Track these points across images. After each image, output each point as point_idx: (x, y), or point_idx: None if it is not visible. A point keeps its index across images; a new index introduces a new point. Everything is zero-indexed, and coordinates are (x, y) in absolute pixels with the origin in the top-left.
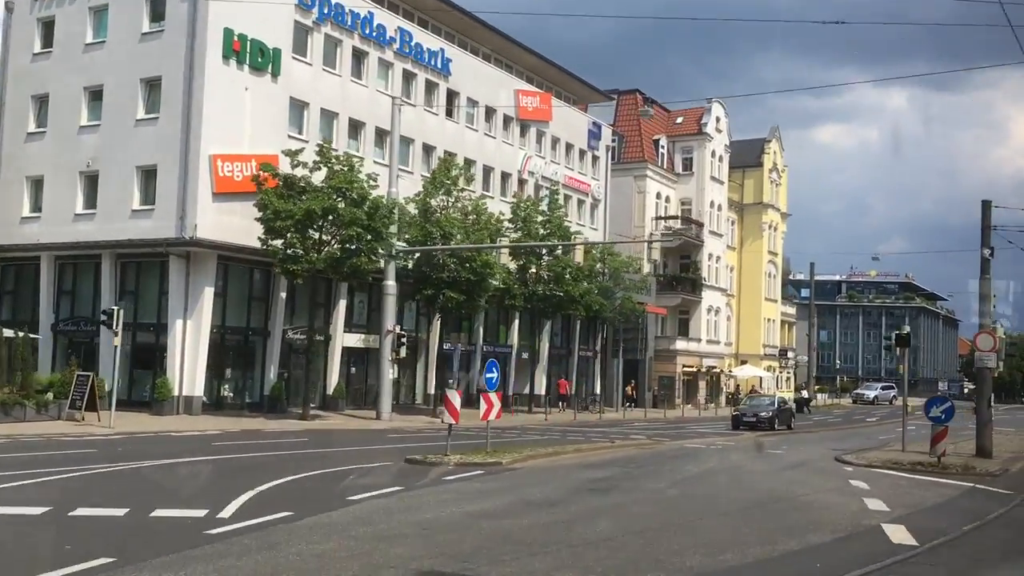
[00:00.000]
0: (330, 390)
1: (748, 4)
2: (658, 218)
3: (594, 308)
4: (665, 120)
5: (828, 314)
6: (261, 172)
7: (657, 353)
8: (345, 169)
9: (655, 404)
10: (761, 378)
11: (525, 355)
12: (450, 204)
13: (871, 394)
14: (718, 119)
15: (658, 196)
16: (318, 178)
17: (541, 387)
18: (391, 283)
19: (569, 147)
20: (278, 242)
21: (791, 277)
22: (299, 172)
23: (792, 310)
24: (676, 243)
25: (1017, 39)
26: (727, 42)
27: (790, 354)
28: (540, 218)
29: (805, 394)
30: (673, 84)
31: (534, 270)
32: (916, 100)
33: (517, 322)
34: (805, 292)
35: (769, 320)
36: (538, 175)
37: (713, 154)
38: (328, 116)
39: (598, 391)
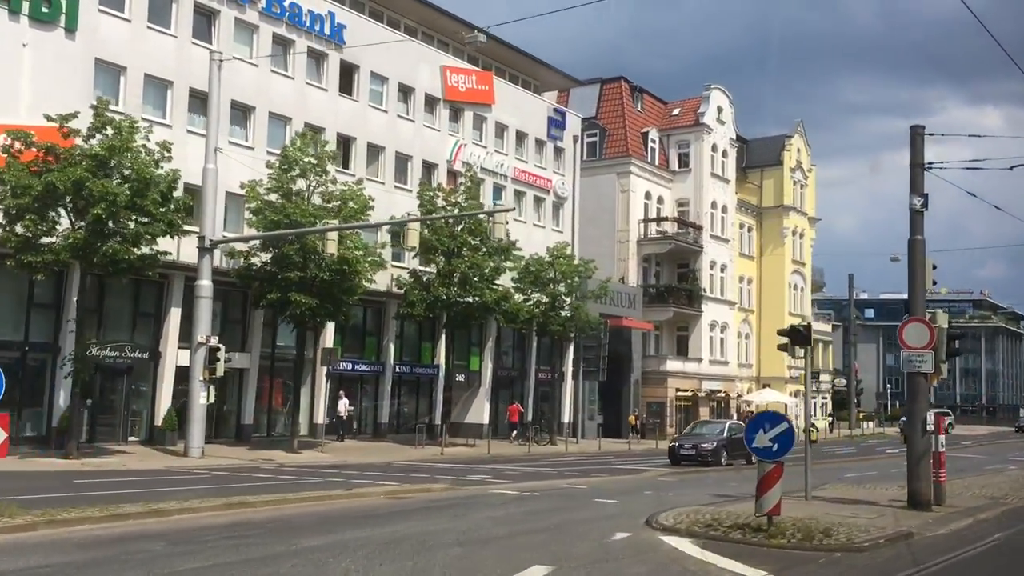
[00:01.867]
0: (159, 420)
1: (831, 27)
2: (646, 220)
3: (521, 318)
4: (660, 112)
5: (893, 336)
6: (11, 141)
7: (645, 375)
8: (113, 134)
9: (643, 434)
10: (786, 404)
11: (461, 377)
12: (310, 188)
13: None
14: (720, 109)
15: (647, 196)
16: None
17: (482, 415)
18: (206, 283)
19: (521, 136)
20: (19, 227)
21: (823, 290)
22: (77, 142)
23: (827, 327)
24: (666, 248)
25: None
26: (809, 65)
27: (824, 377)
28: (456, 210)
29: (813, 421)
30: (755, 110)
31: (438, 272)
32: (1012, 118)
33: (444, 338)
34: (869, 312)
35: None
36: (476, 167)
37: (715, 148)
38: (157, 85)
39: (565, 419)
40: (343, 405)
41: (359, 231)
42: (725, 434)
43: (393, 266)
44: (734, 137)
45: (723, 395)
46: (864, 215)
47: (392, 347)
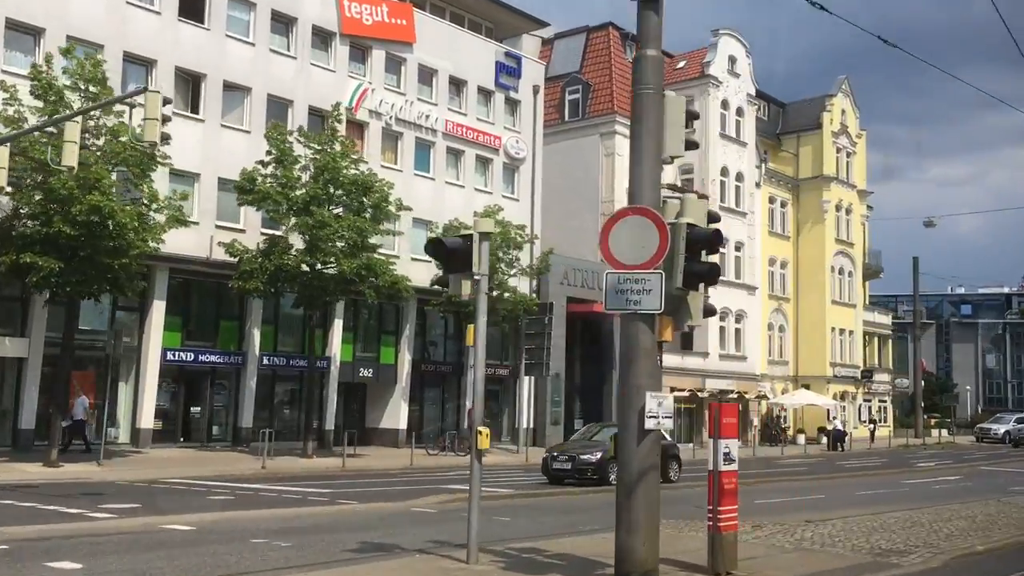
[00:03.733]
0: None
1: (948, 18)
2: None
3: (404, 294)
4: (663, 67)
5: (992, 333)
6: None
7: None
8: None
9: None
10: (828, 409)
11: (367, 372)
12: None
13: (1001, 429)
14: (732, 59)
15: None
16: None
17: (398, 419)
18: None
19: (458, 83)
20: None
21: (881, 276)
22: None
23: (886, 319)
24: None
25: None
26: (927, 59)
27: (882, 376)
28: (306, 159)
29: (839, 425)
30: (871, 107)
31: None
32: None
33: (340, 322)
34: (966, 308)
35: (842, 331)
36: (390, 117)
37: (725, 105)
38: None
39: (525, 424)
40: (80, 405)
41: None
42: None
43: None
44: (753, 93)
45: (735, 395)
46: (989, 215)
47: (257, 333)
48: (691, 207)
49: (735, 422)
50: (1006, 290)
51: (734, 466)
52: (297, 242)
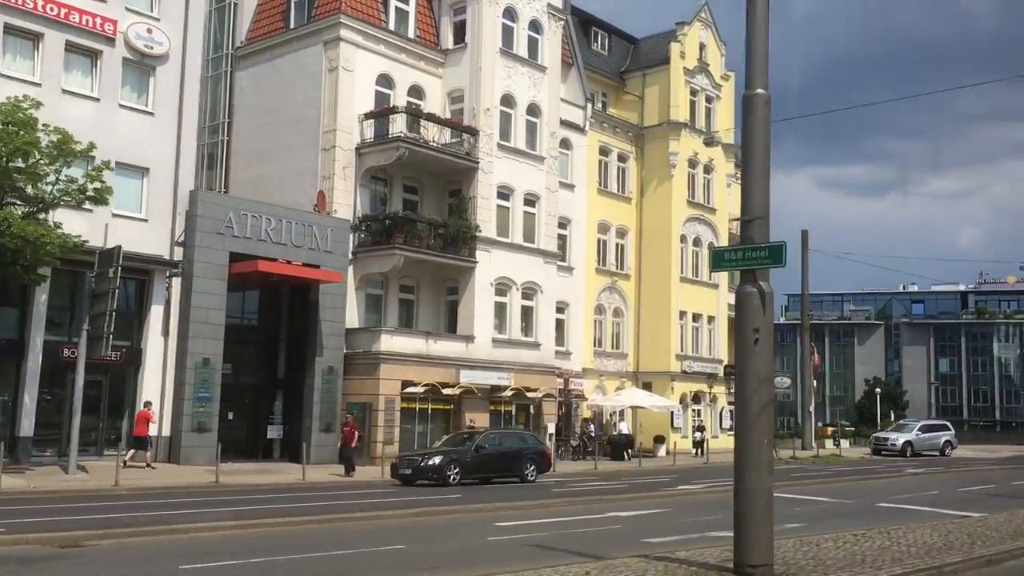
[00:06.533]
0: None
1: (950, 29)
2: (375, 116)
3: None
4: None
5: (948, 336)
6: None
7: (349, 360)
8: None
9: (342, 457)
10: (672, 412)
11: None
12: None
13: (900, 439)
14: None
15: (386, 83)
16: None
17: None
18: None
19: None
20: None
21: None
22: None
23: None
24: (395, 157)
25: None
26: (924, 72)
27: None
28: None
29: (625, 429)
30: (866, 117)
31: None
32: None
33: None
34: (918, 308)
35: (696, 317)
36: None
37: (512, 15)
38: None
39: (156, 430)
40: None
41: None
42: None
43: None
44: (558, 5)
45: (511, 393)
46: (989, 228)
47: None
48: None
49: None
50: (962, 288)
51: None
52: None
